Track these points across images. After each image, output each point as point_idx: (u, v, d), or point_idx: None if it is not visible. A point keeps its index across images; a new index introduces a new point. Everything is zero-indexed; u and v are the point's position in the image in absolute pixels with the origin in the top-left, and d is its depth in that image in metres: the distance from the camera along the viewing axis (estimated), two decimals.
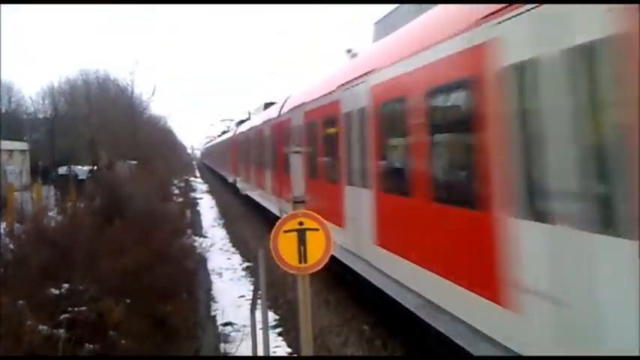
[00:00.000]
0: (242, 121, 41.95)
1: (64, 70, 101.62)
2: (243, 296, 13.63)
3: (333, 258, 6.98)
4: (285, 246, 6.40)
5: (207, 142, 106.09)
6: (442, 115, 7.60)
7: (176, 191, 35.71)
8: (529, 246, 5.47)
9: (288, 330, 11.07)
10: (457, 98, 7.14)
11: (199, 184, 58.80)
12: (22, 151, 63.06)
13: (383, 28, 11.22)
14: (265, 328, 7.36)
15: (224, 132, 64.21)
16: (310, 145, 14.47)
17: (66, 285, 8.79)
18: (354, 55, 13.10)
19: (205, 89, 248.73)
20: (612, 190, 4.51)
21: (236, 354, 9.69)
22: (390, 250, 9.23)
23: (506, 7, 5.69)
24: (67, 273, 9.17)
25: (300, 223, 6.41)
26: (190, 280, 13.40)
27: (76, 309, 8.08)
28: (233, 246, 21.32)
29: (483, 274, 6.25)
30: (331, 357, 9.93)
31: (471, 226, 6.63)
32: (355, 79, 10.89)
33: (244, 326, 10.87)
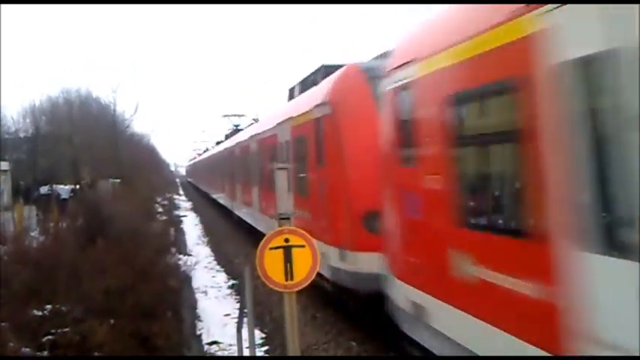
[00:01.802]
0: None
1: (46, 88, 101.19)
2: (228, 314, 13.53)
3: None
4: (271, 263, 6.37)
5: (195, 157, 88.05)
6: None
7: (160, 209, 35.49)
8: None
9: (275, 348, 11.00)
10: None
11: (183, 202, 58.52)
12: (4, 171, 62.46)
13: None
14: (252, 347, 7.31)
15: (235, 130, 41.11)
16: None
17: (49, 306, 8.68)
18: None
19: (189, 104, 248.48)
20: None
21: None
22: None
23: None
24: (50, 294, 9.06)
25: (286, 240, 6.39)
26: (175, 298, 13.27)
27: (59, 330, 7.98)
28: (218, 264, 21.20)
29: None
30: (322, 357, 9.88)
31: None
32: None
33: (230, 345, 10.78)
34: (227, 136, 42.65)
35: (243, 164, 25.00)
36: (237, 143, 27.65)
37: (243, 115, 43.70)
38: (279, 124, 16.50)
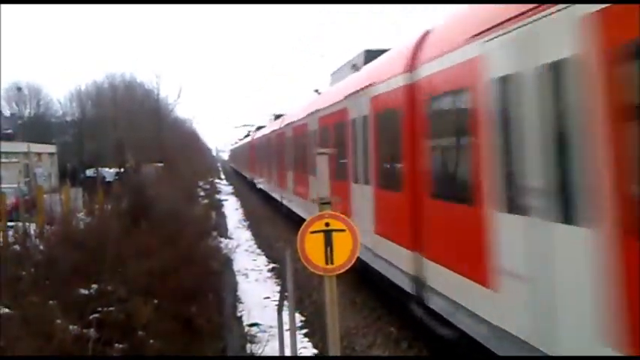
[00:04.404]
0: None
1: (91, 73, 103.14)
2: (268, 297, 13.67)
3: None
4: (311, 247, 6.40)
5: (244, 137, 72.89)
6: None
7: (201, 193, 35.95)
8: None
9: (315, 331, 11.08)
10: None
11: (224, 186, 59.13)
12: (51, 154, 64.03)
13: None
14: (292, 330, 7.37)
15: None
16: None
17: (95, 285, 8.90)
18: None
19: (231, 90, 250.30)
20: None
21: (262, 354, 9.72)
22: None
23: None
24: (96, 274, 9.28)
25: (327, 224, 6.41)
26: (216, 281, 13.47)
27: (105, 309, 8.18)
28: (258, 247, 21.39)
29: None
30: (353, 357, 9.91)
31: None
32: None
33: (270, 327, 10.89)
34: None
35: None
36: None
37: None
38: None
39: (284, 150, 26.32)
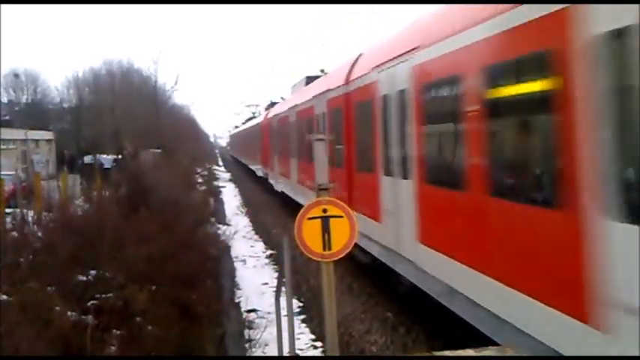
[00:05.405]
0: None
1: (89, 60, 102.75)
2: (266, 283, 13.71)
3: None
4: (309, 233, 6.41)
5: (248, 120, 66.02)
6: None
7: (199, 180, 35.90)
8: None
9: (312, 317, 11.13)
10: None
11: (222, 173, 59.08)
12: (48, 141, 63.88)
13: None
14: (290, 315, 7.39)
15: None
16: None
17: (93, 272, 8.91)
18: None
19: (228, 76, 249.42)
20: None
21: (260, 340, 9.77)
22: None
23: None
24: (94, 260, 9.29)
25: (324, 211, 6.42)
26: (214, 267, 13.49)
27: (103, 295, 8.19)
28: (256, 234, 21.43)
29: None
30: (354, 357, 9.93)
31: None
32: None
33: (268, 313, 10.94)
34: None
35: None
36: None
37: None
38: None
39: (348, 132, 13.94)
